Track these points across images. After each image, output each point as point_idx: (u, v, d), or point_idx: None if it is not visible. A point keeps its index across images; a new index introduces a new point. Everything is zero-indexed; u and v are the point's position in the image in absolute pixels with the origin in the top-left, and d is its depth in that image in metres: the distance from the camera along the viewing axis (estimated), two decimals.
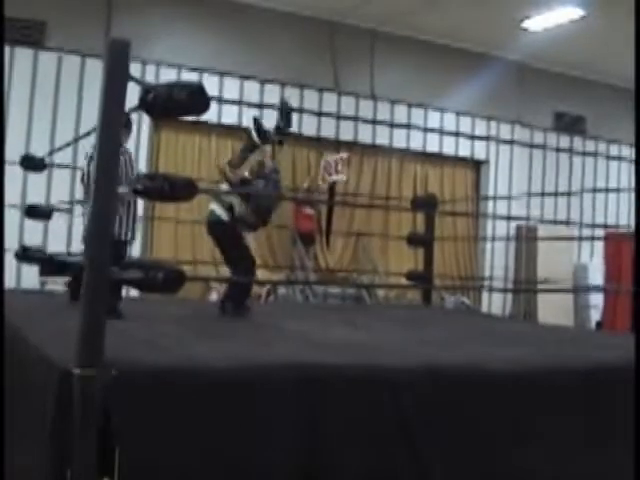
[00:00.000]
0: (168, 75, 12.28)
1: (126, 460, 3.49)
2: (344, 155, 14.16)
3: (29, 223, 9.47)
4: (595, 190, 15.15)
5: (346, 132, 14.33)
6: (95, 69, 10.65)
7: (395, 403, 4.20)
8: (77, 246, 7.53)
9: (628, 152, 16.59)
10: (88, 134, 4.53)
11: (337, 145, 14.53)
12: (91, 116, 3.74)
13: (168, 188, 3.98)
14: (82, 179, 7.02)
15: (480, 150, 15.85)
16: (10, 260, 7.28)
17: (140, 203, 7.57)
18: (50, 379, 3.66)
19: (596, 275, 15.12)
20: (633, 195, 16.85)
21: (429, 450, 4.26)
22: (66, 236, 11.45)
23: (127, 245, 6.71)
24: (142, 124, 12.21)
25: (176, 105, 3.88)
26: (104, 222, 3.64)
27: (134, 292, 8.36)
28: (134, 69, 3.72)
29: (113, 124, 3.69)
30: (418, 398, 4.26)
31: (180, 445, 3.64)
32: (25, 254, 7.86)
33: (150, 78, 12.06)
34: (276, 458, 3.87)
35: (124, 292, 7.25)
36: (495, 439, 4.52)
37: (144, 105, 3.92)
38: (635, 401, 4.39)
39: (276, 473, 3.87)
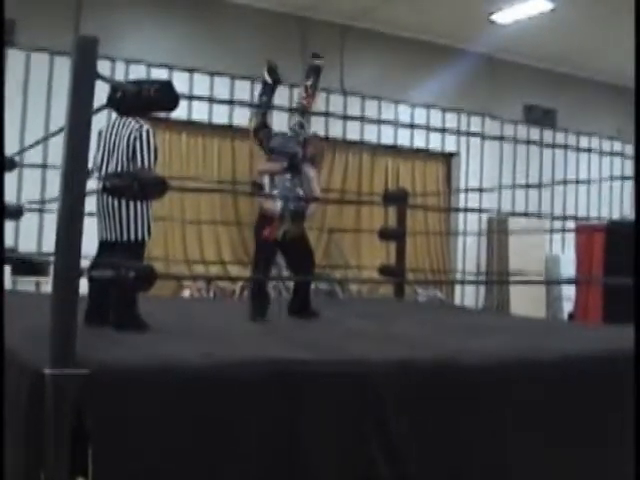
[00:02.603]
0: (137, 72, 12.22)
1: (100, 460, 3.48)
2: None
3: None
4: (566, 182, 15.21)
5: (317, 127, 14.30)
6: (64, 67, 10.58)
7: (368, 397, 4.20)
8: (49, 246, 7.40)
9: (597, 144, 16.68)
10: (58, 132, 4.50)
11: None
12: (61, 115, 3.72)
13: (138, 186, 3.97)
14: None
15: (451, 143, 15.88)
16: None
17: None
18: (22, 380, 3.64)
19: (568, 267, 15.17)
20: (603, 187, 16.99)
21: (405, 446, 4.27)
22: (37, 235, 11.40)
23: (145, 245, 5.83)
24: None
25: (145, 102, 3.87)
26: (73, 221, 3.61)
27: None
28: (103, 67, 3.71)
29: (81, 122, 3.66)
30: (392, 393, 4.27)
31: (154, 444, 3.64)
32: None
33: (119, 76, 12.01)
34: (251, 455, 3.87)
35: None
36: (470, 433, 4.53)
37: (113, 103, 3.91)
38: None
39: (252, 471, 3.87)
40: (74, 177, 3.63)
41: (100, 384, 3.56)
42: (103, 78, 3.79)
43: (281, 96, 13.61)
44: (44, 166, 10.13)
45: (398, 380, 4.32)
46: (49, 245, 4.04)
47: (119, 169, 5.47)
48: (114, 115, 5.69)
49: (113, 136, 5.68)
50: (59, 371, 3.46)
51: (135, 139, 5.54)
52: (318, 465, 4.03)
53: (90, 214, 4.62)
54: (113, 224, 5.59)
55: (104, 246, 5.74)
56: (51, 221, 3.67)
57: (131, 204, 5.54)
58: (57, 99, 11.52)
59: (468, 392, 4.56)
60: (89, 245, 4.99)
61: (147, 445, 3.62)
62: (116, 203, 5.52)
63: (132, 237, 5.60)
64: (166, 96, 3.86)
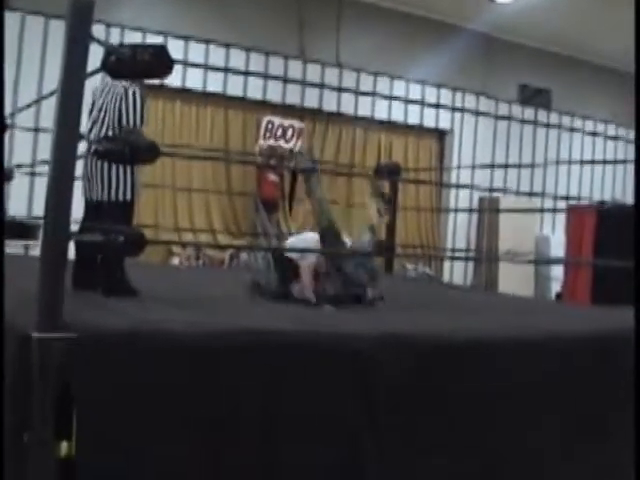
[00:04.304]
0: (133, 38, 12.16)
1: (84, 424, 3.48)
2: (296, 124, 14.13)
3: None
4: (558, 162, 15.22)
5: (311, 100, 14.28)
6: (59, 31, 10.52)
7: (353, 371, 4.20)
8: (40, 210, 7.37)
9: (592, 127, 16.68)
10: (51, 95, 4.47)
11: (301, 113, 14.49)
12: (54, 78, 3.69)
13: (129, 151, 3.94)
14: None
15: (445, 120, 15.87)
16: None
17: None
18: (9, 343, 3.63)
19: (557, 248, 15.21)
20: (596, 170, 17.00)
21: (391, 422, 4.28)
22: (27, 199, 11.38)
23: (132, 207, 5.71)
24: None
25: (139, 67, 3.83)
26: (63, 185, 3.59)
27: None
28: (98, 32, 3.68)
29: (74, 86, 3.63)
30: (380, 367, 4.27)
31: (138, 409, 3.63)
32: None
33: (114, 41, 11.94)
34: (233, 424, 3.87)
35: None
36: (458, 412, 4.54)
37: (107, 67, 3.87)
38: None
39: (232, 440, 3.87)
40: (66, 140, 3.60)
41: (86, 348, 3.55)
42: (97, 41, 3.75)
43: (276, 66, 13.67)
44: (36, 129, 10.07)
45: (384, 355, 4.31)
46: (40, 209, 4.02)
47: (109, 132, 5.44)
48: (106, 79, 5.66)
49: (102, 99, 5.64)
50: (45, 334, 3.44)
51: (121, 100, 5.51)
52: (299, 439, 4.04)
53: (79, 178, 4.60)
54: (99, 185, 5.57)
55: (89, 208, 5.72)
56: (43, 184, 3.64)
57: (115, 165, 5.50)
58: (51, 63, 11.46)
59: (455, 369, 4.56)
60: (79, 209, 4.98)
61: (131, 410, 3.62)
62: (100, 163, 5.50)
63: (115, 198, 5.55)
64: (161, 61, 3.83)
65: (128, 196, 5.60)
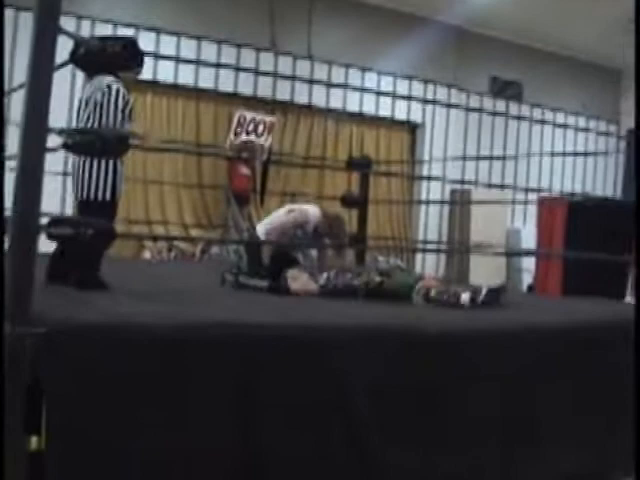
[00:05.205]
0: (104, 31, 12.09)
1: (54, 419, 3.47)
2: (268, 118, 14.12)
3: None
4: (529, 154, 15.27)
5: (283, 92, 14.26)
6: (29, 23, 10.46)
7: (329, 362, 4.21)
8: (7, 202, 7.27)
9: (562, 119, 16.74)
10: (20, 88, 4.43)
11: (273, 105, 14.47)
12: (24, 71, 3.66)
13: (100, 143, 3.93)
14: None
15: (416, 113, 15.88)
16: None
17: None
18: None
19: (528, 240, 15.24)
20: (567, 162, 17.07)
21: (366, 414, 4.29)
22: None
23: (115, 206, 5.82)
24: (77, 80, 12.05)
25: (109, 59, 3.82)
26: (32, 178, 3.57)
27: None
28: (69, 25, 3.65)
29: (43, 78, 3.61)
30: (352, 359, 4.28)
31: (108, 403, 3.62)
32: None
33: (85, 34, 11.87)
34: (206, 417, 3.87)
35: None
36: (430, 403, 4.56)
37: (76, 59, 3.86)
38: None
39: (205, 433, 3.87)
40: (34, 133, 3.58)
41: (56, 343, 3.53)
42: (66, 33, 3.73)
43: (247, 58, 13.64)
44: (2, 122, 9.99)
45: (357, 348, 4.32)
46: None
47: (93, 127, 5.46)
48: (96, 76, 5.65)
49: (86, 95, 5.63)
50: (15, 329, 3.42)
51: (103, 95, 5.50)
52: (274, 431, 4.04)
53: (50, 172, 4.57)
54: (80, 182, 5.60)
55: (77, 206, 5.79)
56: (11, 178, 3.61)
57: (95, 163, 5.52)
58: (21, 55, 11.37)
59: (426, 360, 4.58)
60: (49, 203, 4.95)
61: (102, 403, 3.61)
62: (82, 161, 5.51)
63: (94, 196, 5.60)
64: (130, 53, 3.82)
65: (108, 195, 5.64)
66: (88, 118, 5.57)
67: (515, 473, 4.85)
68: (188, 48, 13.19)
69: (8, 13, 11.79)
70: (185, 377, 3.83)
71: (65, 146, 4.07)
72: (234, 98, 13.96)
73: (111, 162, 5.59)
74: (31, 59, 3.60)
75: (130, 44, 3.79)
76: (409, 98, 14.72)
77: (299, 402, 4.11)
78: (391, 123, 15.98)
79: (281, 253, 6.91)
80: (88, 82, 5.72)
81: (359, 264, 10.39)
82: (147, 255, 12.69)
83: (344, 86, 14.35)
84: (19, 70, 11.16)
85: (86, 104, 5.61)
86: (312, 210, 7.24)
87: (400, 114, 15.74)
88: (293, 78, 13.78)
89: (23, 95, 3.65)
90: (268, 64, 13.91)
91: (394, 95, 14.50)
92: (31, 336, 3.44)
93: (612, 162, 17.68)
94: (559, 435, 5.09)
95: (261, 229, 7.16)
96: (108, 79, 5.56)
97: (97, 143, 3.89)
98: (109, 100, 5.50)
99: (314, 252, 7.50)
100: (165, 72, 12.98)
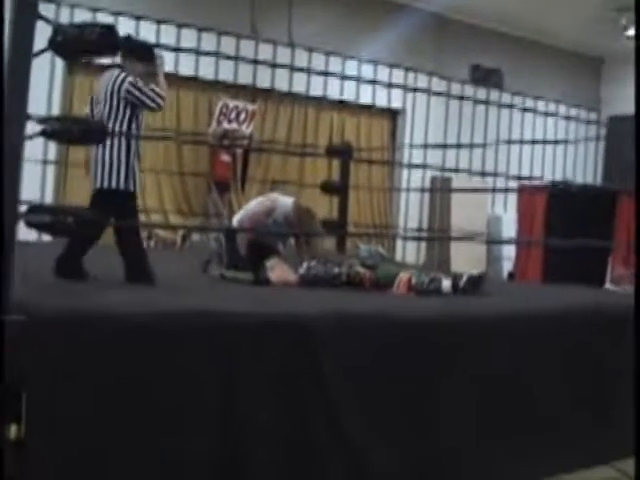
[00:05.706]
0: (83, 18, 12.01)
1: (33, 408, 3.46)
2: (250, 107, 14.11)
3: None
4: (510, 142, 15.27)
5: (263, 80, 14.23)
6: (7, 9, 10.40)
7: (306, 352, 4.21)
8: None
9: (543, 105, 16.75)
10: None
11: (254, 92, 14.45)
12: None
13: (78, 131, 3.91)
14: None
15: (397, 100, 15.86)
16: None
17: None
18: None
19: (509, 228, 15.30)
20: (547, 150, 17.10)
21: (345, 401, 4.29)
22: None
23: (134, 199, 5.81)
24: (56, 68, 12.00)
25: (86, 45, 3.80)
26: (11, 166, 3.55)
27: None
28: (48, 11, 3.64)
29: (21, 65, 3.59)
30: (332, 346, 4.28)
31: (88, 392, 3.61)
32: None
33: (64, 21, 11.81)
34: (185, 407, 3.86)
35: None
36: (409, 388, 4.56)
37: (53, 46, 3.83)
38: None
39: (185, 423, 3.86)
40: (12, 120, 3.56)
41: (36, 331, 3.52)
42: (45, 19, 3.71)
43: (228, 46, 13.59)
44: None
45: (336, 334, 4.33)
46: None
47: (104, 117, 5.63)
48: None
49: (100, 85, 5.81)
50: None
51: (113, 84, 5.64)
52: (253, 420, 4.04)
53: (30, 160, 4.56)
54: (97, 172, 5.64)
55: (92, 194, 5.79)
56: None
57: (107, 152, 5.57)
58: None
59: (406, 346, 4.58)
60: (29, 191, 4.93)
61: (81, 393, 3.60)
62: (101, 151, 5.58)
63: (107, 185, 5.63)
64: (108, 39, 3.80)
65: (119, 184, 5.64)
66: (103, 109, 5.69)
67: (493, 458, 4.86)
68: (169, 35, 13.13)
69: None
70: (167, 365, 3.83)
71: (43, 133, 4.05)
72: (215, 85, 13.94)
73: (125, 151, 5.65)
74: (9, 46, 3.58)
75: (107, 31, 3.78)
76: (390, 85, 14.67)
77: (278, 388, 4.12)
78: (372, 110, 16.00)
79: (257, 243, 6.91)
80: (100, 78, 5.92)
81: (340, 252, 10.39)
82: None
83: (325, 74, 14.31)
84: None
85: (100, 96, 5.73)
86: (283, 200, 7.23)
87: (381, 101, 15.74)
88: (274, 65, 13.74)
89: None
90: (249, 51, 13.87)
91: (375, 82, 14.46)
92: (11, 324, 3.43)
93: (592, 149, 17.72)
94: (541, 421, 5.11)
95: (235, 220, 7.20)
96: (116, 70, 5.71)
97: (75, 130, 3.87)
98: (114, 89, 5.62)
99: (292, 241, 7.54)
100: None
